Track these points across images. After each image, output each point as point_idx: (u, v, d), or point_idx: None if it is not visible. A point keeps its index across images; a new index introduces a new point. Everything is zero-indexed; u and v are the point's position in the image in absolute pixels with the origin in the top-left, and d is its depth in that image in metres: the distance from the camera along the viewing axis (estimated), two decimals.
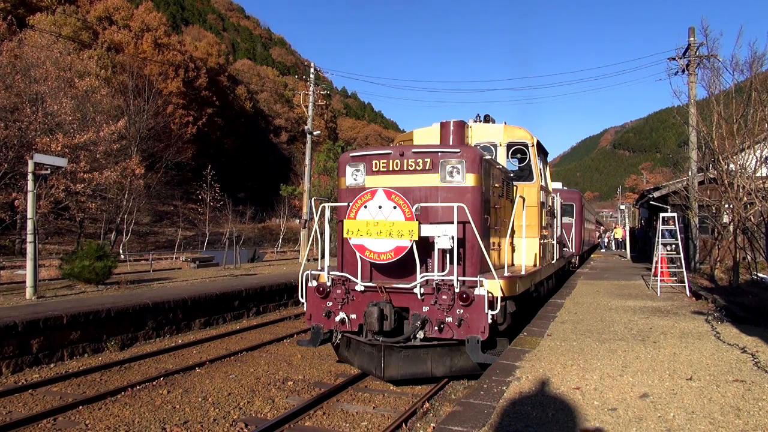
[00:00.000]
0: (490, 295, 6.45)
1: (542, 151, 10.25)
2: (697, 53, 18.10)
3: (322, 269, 7.41)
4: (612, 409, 4.27)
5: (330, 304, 7.12)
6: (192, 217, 46.65)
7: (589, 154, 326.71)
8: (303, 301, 7.38)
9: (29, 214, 12.19)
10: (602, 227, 51.10)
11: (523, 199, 8.18)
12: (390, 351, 6.76)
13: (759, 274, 13.29)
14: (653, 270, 13.16)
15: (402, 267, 6.80)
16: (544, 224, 10.01)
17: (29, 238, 12.17)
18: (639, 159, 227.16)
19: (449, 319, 6.50)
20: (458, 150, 7.06)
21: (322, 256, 7.54)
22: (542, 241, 9.70)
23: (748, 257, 13.67)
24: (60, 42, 35.91)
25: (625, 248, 32.38)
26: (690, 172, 17.72)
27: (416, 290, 6.61)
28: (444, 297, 6.51)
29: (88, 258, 13.84)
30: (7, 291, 13.17)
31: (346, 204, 7.11)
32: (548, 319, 8.35)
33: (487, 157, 7.54)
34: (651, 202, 23.68)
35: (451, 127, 8.30)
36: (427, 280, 6.65)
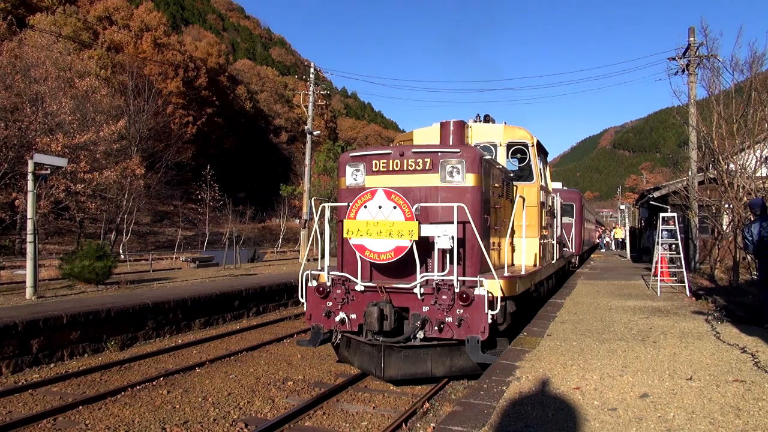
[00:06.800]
0: (490, 295, 6.44)
1: (542, 151, 10.25)
2: (697, 53, 18.09)
3: (322, 269, 7.40)
4: (612, 409, 4.27)
5: (330, 304, 7.12)
6: (192, 217, 46.64)
7: (589, 154, 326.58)
8: (303, 301, 7.38)
9: (29, 214, 12.19)
10: (602, 227, 51.08)
11: (523, 199, 8.18)
12: (390, 351, 6.76)
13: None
14: (653, 270, 13.15)
15: (402, 267, 6.80)
16: (544, 224, 10.00)
17: (29, 238, 12.17)
18: (639, 159, 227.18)
19: (449, 319, 6.50)
20: (458, 150, 7.06)
21: (322, 256, 7.54)
22: (542, 241, 9.69)
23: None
24: (60, 42, 35.95)
25: (626, 248, 32.40)
26: (690, 172, 17.71)
27: (416, 290, 6.60)
28: (444, 297, 6.51)
29: (88, 258, 13.84)
30: (7, 291, 13.16)
31: (346, 204, 7.11)
32: (548, 319, 8.34)
33: (487, 157, 7.53)
34: (651, 202, 23.67)
35: (451, 127, 8.30)
36: (427, 280, 6.65)
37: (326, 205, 7.34)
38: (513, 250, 8.61)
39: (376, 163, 7.25)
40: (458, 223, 6.53)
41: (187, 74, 65.38)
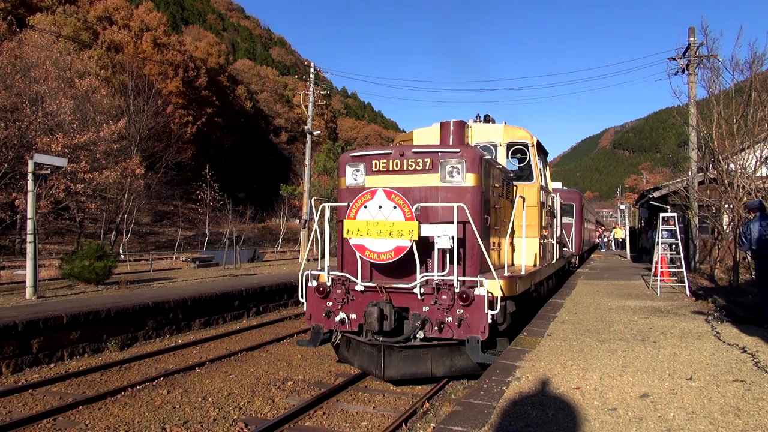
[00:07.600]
0: (490, 295, 6.44)
1: (542, 151, 10.25)
2: (697, 53, 18.10)
3: (322, 269, 7.41)
4: (612, 409, 4.27)
5: (330, 304, 7.12)
6: (192, 217, 46.69)
7: (589, 154, 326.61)
8: (303, 301, 7.38)
9: (29, 214, 12.19)
10: (602, 227, 51.05)
11: (523, 199, 8.18)
12: (390, 351, 6.76)
13: None
14: (653, 270, 13.15)
15: (402, 267, 6.80)
16: (544, 224, 10.00)
17: (29, 238, 12.17)
18: (639, 159, 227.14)
19: (449, 319, 6.50)
20: (458, 150, 7.06)
21: (322, 256, 7.54)
22: (542, 241, 9.69)
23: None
24: (60, 42, 35.92)
25: (626, 248, 32.39)
26: (690, 172, 17.70)
27: (416, 290, 6.60)
28: (444, 297, 6.51)
29: (88, 258, 13.84)
30: (7, 291, 13.17)
31: (346, 204, 7.11)
32: (548, 319, 8.34)
33: (487, 157, 7.54)
34: (651, 202, 23.66)
35: (451, 127, 8.30)
36: (427, 280, 6.65)
37: (326, 205, 7.34)
38: (513, 250, 8.61)
39: (376, 163, 7.25)
40: (458, 223, 6.53)
41: (187, 74, 65.42)
